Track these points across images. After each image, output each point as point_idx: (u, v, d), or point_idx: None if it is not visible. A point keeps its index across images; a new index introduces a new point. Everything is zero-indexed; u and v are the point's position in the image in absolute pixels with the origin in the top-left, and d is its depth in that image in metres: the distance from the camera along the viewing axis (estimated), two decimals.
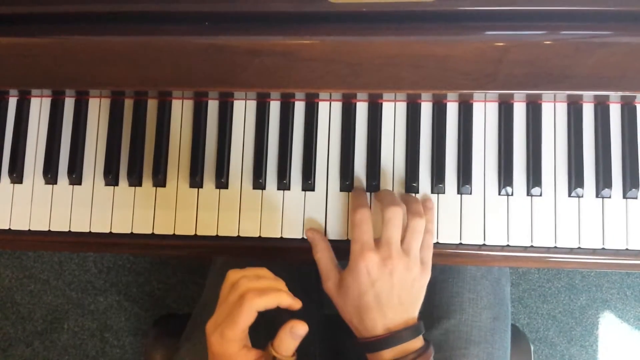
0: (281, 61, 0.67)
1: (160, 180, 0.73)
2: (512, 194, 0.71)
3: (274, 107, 0.74)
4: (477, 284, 0.80)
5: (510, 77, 0.66)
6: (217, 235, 0.73)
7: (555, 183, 0.71)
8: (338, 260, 0.69)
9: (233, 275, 0.60)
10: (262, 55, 0.67)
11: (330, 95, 0.73)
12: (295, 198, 0.73)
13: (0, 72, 0.71)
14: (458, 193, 0.71)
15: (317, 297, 0.87)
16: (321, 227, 0.72)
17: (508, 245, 0.71)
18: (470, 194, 0.72)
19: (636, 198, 0.70)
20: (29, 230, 0.74)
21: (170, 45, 0.69)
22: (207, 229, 0.73)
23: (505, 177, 0.71)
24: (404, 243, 0.65)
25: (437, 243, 0.71)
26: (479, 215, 0.71)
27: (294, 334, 0.57)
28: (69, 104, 0.76)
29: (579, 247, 0.70)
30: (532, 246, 0.71)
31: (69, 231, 0.74)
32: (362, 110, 0.73)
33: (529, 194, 0.71)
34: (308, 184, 0.72)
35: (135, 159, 0.74)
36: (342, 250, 0.68)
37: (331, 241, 0.71)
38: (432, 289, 0.80)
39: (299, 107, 0.74)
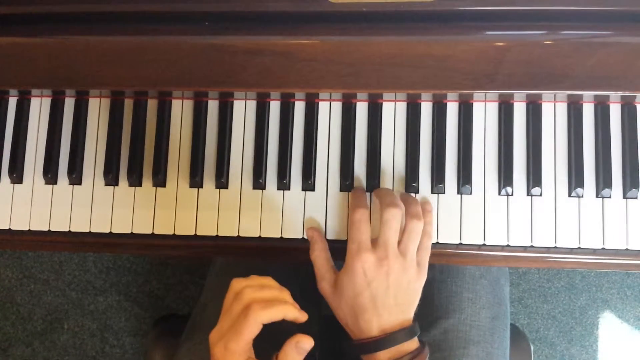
0: (281, 61, 0.67)
1: (160, 180, 0.73)
2: (512, 194, 0.71)
3: (274, 107, 0.74)
4: (476, 283, 0.80)
5: (510, 77, 0.66)
6: (217, 235, 0.73)
7: (555, 183, 0.71)
8: (337, 260, 0.69)
9: (237, 284, 0.58)
10: (262, 55, 0.67)
11: (330, 95, 0.73)
12: (295, 198, 0.73)
13: (0, 72, 0.71)
14: (458, 193, 0.71)
15: (317, 298, 0.87)
16: (321, 227, 0.72)
17: (508, 245, 0.71)
18: (470, 194, 0.71)
19: (636, 198, 0.70)
20: (29, 230, 0.74)
21: (170, 45, 0.69)
22: (207, 229, 0.73)
23: (505, 177, 0.71)
24: (401, 244, 0.65)
25: (437, 243, 0.71)
26: (479, 215, 0.71)
27: (299, 348, 0.56)
28: (69, 104, 0.76)
29: (579, 247, 0.70)
30: (532, 246, 0.71)
31: (69, 231, 0.74)
32: (362, 110, 0.73)
33: (529, 194, 0.71)
34: (308, 184, 0.72)
35: (135, 159, 0.74)
36: (342, 250, 0.68)
37: (331, 241, 0.71)
38: (431, 288, 0.80)
39: (299, 107, 0.74)
